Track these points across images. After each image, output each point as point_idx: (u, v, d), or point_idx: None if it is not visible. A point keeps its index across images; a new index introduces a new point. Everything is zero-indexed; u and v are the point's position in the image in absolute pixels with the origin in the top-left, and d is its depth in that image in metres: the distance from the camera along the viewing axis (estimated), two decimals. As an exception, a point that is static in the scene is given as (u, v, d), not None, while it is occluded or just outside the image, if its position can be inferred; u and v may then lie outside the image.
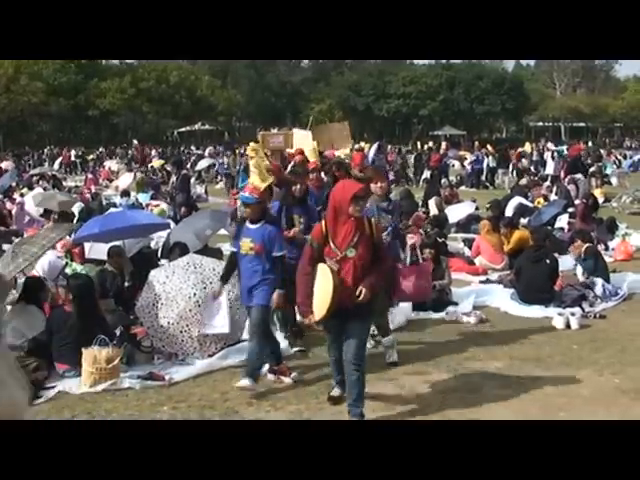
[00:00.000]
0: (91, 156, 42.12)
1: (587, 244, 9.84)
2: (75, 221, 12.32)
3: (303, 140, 12.40)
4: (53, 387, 6.20)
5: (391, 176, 19.81)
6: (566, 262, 9.97)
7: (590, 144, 48.36)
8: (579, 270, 9.57)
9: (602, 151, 36.35)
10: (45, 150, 46.62)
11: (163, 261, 9.16)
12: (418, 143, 44.44)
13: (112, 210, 13.81)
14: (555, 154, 27.49)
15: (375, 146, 34.99)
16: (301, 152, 10.01)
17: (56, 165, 36.67)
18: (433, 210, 14.70)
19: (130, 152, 44.99)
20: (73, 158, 40.48)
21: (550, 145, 32.19)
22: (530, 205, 15.77)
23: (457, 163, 34.15)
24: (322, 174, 8.82)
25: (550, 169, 24.55)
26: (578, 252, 9.82)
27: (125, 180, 23.22)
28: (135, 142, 47.57)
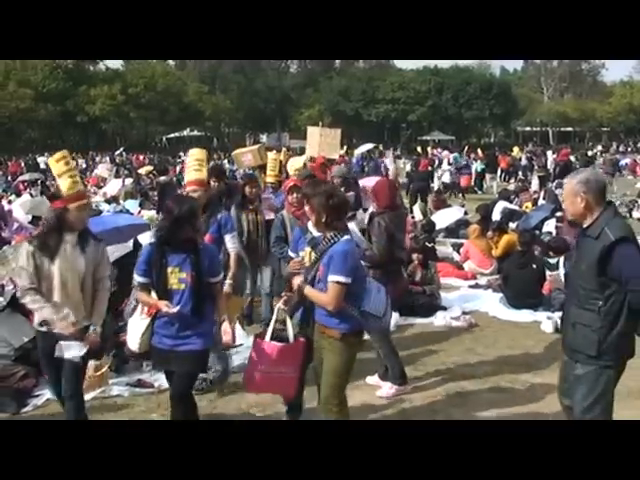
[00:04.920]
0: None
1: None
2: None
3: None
4: (41, 395, 6.16)
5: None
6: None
7: (601, 147, 48.93)
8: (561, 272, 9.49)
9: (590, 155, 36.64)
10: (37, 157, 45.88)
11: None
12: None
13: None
14: (452, 161, 26.97)
15: (365, 147, 33.86)
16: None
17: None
18: (417, 216, 14.74)
19: (118, 159, 44.63)
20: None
21: (446, 152, 31.86)
22: (516, 208, 15.73)
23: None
24: None
25: (446, 177, 24.29)
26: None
27: (113, 186, 23.05)
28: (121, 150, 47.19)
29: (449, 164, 25.98)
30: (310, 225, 5.07)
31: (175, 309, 4.39)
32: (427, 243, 10.26)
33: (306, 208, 4.64)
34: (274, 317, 4.71)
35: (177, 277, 4.44)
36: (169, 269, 4.44)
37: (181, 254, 4.44)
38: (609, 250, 3.88)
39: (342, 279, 4.23)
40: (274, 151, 11.94)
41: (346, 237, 4.40)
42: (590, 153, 39.67)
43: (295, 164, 8.78)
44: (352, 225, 5.93)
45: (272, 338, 4.70)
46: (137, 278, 4.61)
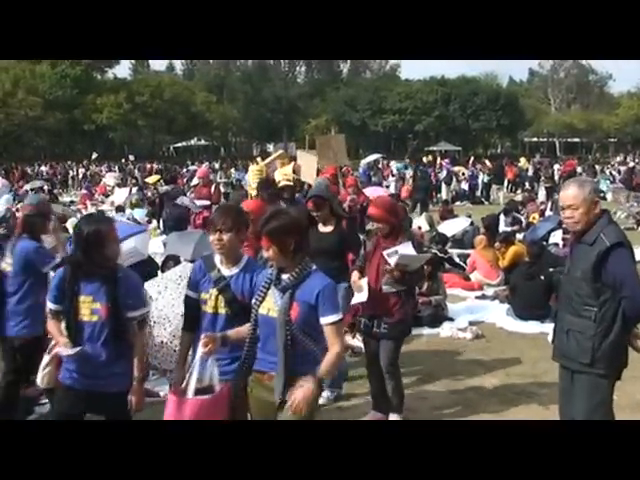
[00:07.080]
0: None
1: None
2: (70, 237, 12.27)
3: (309, 163, 11.65)
4: (46, 403, 6.15)
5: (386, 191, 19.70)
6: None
7: (618, 158, 48.91)
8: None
9: (597, 167, 36.56)
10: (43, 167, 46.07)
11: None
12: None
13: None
14: (396, 172, 26.23)
15: (372, 157, 32.90)
16: None
17: None
18: (424, 226, 14.69)
19: (126, 167, 44.76)
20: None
21: (392, 163, 31.38)
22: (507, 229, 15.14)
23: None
24: None
25: (392, 188, 24.03)
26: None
27: (120, 195, 23.10)
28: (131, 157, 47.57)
29: (392, 175, 25.34)
30: (217, 260, 4.04)
31: (72, 351, 3.80)
32: (442, 254, 10.26)
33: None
34: (196, 367, 3.70)
35: (90, 308, 3.85)
36: (81, 298, 3.85)
37: (96, 282, 3.85)
38: (604, 255, 3.89)
39: (340, 316, 3.48)
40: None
41: (315, 267, 3.59)
42: (632, 164, 39.11)
43: (284, 171, 8.64)
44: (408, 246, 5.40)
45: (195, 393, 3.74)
46: (49, 305, 4.03)
